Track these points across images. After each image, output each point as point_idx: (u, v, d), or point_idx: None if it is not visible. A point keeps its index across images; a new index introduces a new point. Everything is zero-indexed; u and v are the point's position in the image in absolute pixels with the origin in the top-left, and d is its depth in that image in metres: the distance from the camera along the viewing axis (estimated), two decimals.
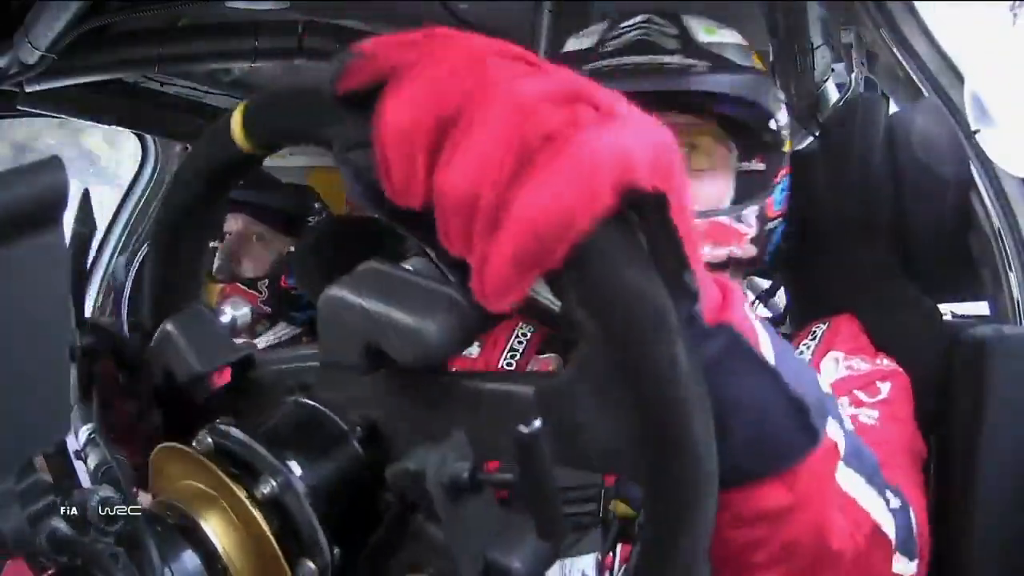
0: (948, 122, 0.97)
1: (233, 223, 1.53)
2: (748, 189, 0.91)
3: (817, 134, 1.17)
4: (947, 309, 1.13)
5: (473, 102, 0.33)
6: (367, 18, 1.47)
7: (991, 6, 0.94)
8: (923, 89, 1.06)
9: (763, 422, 0.42)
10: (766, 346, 0.42)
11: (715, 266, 0.90)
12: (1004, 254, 0.97)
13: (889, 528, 0.58)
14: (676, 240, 0.35)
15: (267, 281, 1.51)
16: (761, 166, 0.93)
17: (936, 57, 1.05)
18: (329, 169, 1.70)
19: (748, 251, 0.90)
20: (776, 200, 0.93)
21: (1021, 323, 0.96)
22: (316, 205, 1.62)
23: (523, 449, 0.33)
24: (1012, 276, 0.97)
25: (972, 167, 0.98)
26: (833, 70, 1.28)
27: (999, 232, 0.97)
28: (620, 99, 0.35)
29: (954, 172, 0.95)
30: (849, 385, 0.84)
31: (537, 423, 0.32)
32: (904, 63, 1.07)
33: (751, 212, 0.90)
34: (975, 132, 0.95)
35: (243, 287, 1.50)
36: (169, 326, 0.51)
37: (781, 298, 1.13)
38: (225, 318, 0.55)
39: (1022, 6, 0.87)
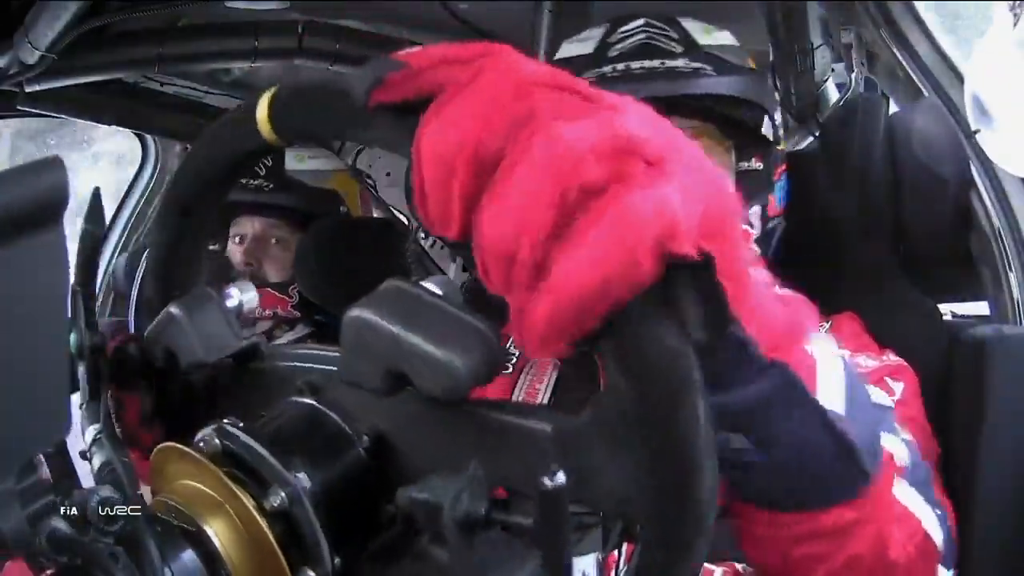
0: (948, 122, 0.97)
1: (249, 226, 1.53)
2: (748, 189, 0.91)
3: (817, 134, 1.17)
4: (947, 309, 1.13)
5: (517, 142, 0.32)
6: (367, 18, 1.47)
7: (991, 6, 0.94)
8: (923, 89, 1.06)
9: (812, 464, 0.42)
10: (825, 381, 0.42)
11: None
12: (1004, 254, 0.97)
13: (937, 537, 0.58)
14: (720, 300, 0.34)
15: (297, 285, 1.51)
16: (759, 165, 0.93)
17: (936, 57, 1.05)
18: (345, 173, 1.70)
19: (753, 252, 0.90)
20: (777, 199, 0.93)
21: (1021, 323, 0.96)
22: (341, 208, 1.62)
23: (545, 500, 0.33)
24: (1012, 276, 0.97)
25: (972, 167, 0.98)
26: (833, 70, 1.28)
27: (999, 232, 0.97)
28: (673, 148, 0.33)
29: (954, 172, 0.95)
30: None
31: (561, 477, 0.32)
32: (904, 63, 1.07)
33: (755, 213, 0.90)
34: (975, 132, 0.95)
35: (274, 292, 1.50)
36: (174, 309, 0.51)
37: None
38: (231, 302, 0.53)
39: (1022, 6, 0.87)
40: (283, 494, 0.39)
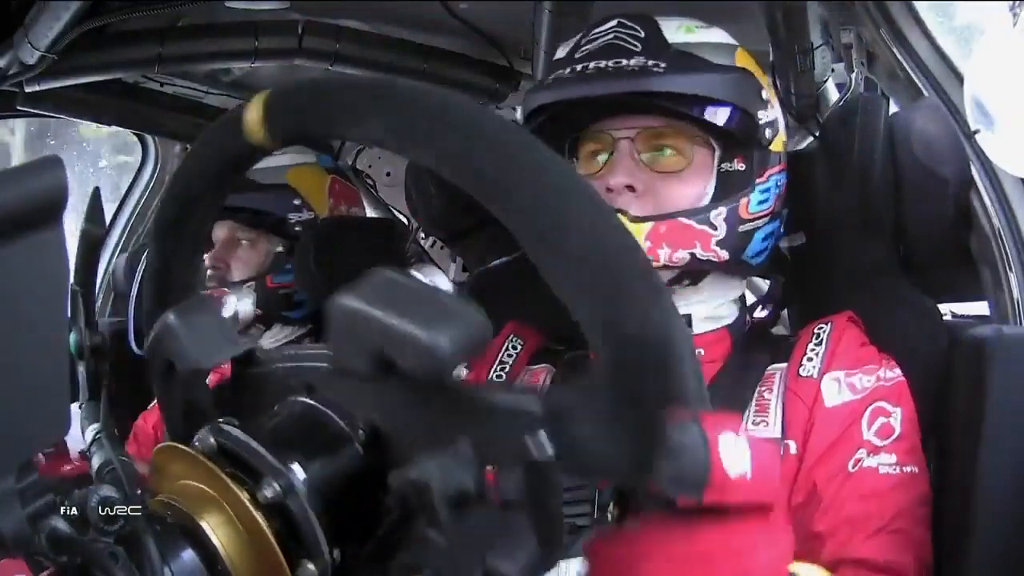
0: (948, 122, 0.97)
1: (220, 231, 1.52)
2: (728, 189, 0.91)
3: (817, 134, 1.17)
4: (947, 309, 1.13)
5: None
6: (367, 18, 1.47)
7: (991, 6, 0.94)
8: (923, 89, 1.06)
9: None
10: None
11: (680, 268, 0.89)
12: (1004, 254, 0.97)
13: None
14: None
15: (253, 284, 1.50)
16: (741, 166, 0.92)
17: (936, 57, 1.05)
18: (308, 167, 1.68)
19: (716, 253, 0.89)
20: (755, 200, 0.91)
21: (1021, 323, 0.96)
22: (296, 202, 1.60)
23: (534, 471, 0.34)
24: (1012, 276, 0.97)
25: (972, 167, 0.98)
26: (833, 70, 1.27)
27: (999, 232, 0.97)
28: None
29: (954, 172, 0.95)
30: (855, 414, 0.85)
31: (544, 439, 0.34)
32: (904, 63, 1.07)
33: (718, 214, 0.89)
34: (975, 132, 0.95)
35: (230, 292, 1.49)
36: (171, 317, 0.50)
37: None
38: (227, 311, 0.54)
39: (1022, 6, 0.87)
40: (276, 485, 0.40)
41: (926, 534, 0.82)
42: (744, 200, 0.91)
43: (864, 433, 0.84)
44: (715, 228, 0.89)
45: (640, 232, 0.86)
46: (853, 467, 0.83)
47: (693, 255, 0.88)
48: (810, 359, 0.90)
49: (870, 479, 0.82)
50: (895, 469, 0.82)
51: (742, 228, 0.91)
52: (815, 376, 0.88)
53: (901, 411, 0.85)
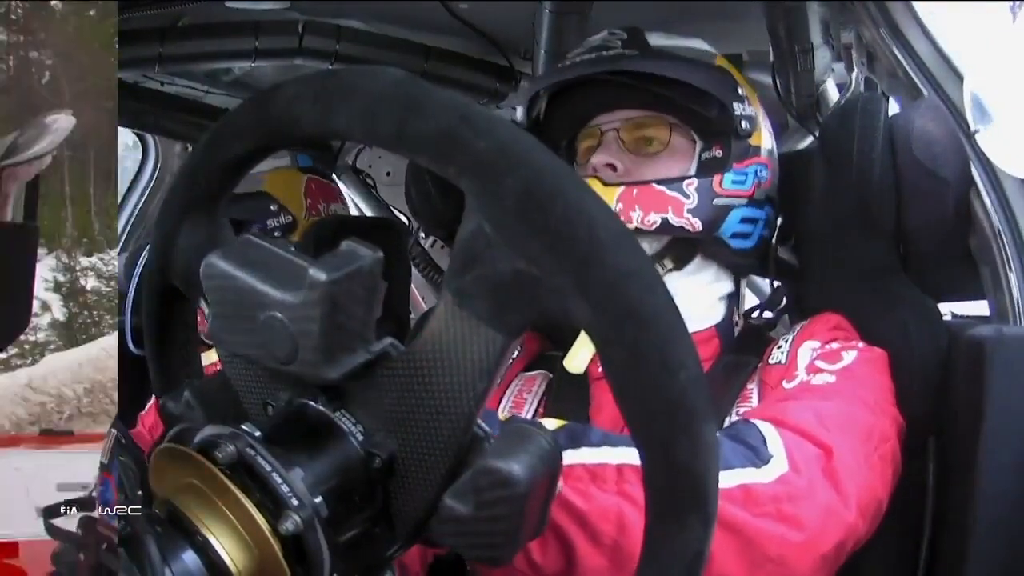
0: (948, 122, 0.97)
1: None
2: (706, 173, 0.95)
3: (817, 134, 1.17)
4: (947, 309, 1.13)
5: None
6: (367, 18, 1.47)
7: (991, 6, 0.94)
8: (923, 89, 1.06)
9: None
10: None
11: (652, 233, 0.92)
12: (1004, 254, 0.97)
13: None
14: None
15: None
16: (719, 153, 0.97)
17: (936, 57, 1.05)
18: (283, 171, 1.66)
19: (689, 221, 0.92)
20: (730, 179, 0.95)
21: (1021, 323, 0.96)
22: (273, 207, 1.60)
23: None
24: (1012, 276, 0.97)
25: (972, 167, 0.98)
26: (833, 70, 1.28)
27: (999, 232, 0.97)
28: None
29: (954, 172, 0.95)
30: (814, 359, 0.85)
31: None
32: (904, 63, 1.07)
33: (690, 183, 0.93)
34: (975, 132, 0.95)
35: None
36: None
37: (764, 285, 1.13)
38: None
39: (1022, 6, 0.87)
40: (298, 519, 0.40)
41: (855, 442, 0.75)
42: (718, 176, 0.95)
43: (810, 360, 0.85)
44: (688, 197, 0.92)
45: (611, 195, 0.90)
46: (789, 383, 0.83)
47: (665, 220, 0.91)
48: (780, 347, 0.92)
49: (802, 387, 0.81)
50: (829, 385, 0.80)
51: (716, 202, 0.94)
52: (783, 362, 0.89)
53: (856, 353, 0.85)
